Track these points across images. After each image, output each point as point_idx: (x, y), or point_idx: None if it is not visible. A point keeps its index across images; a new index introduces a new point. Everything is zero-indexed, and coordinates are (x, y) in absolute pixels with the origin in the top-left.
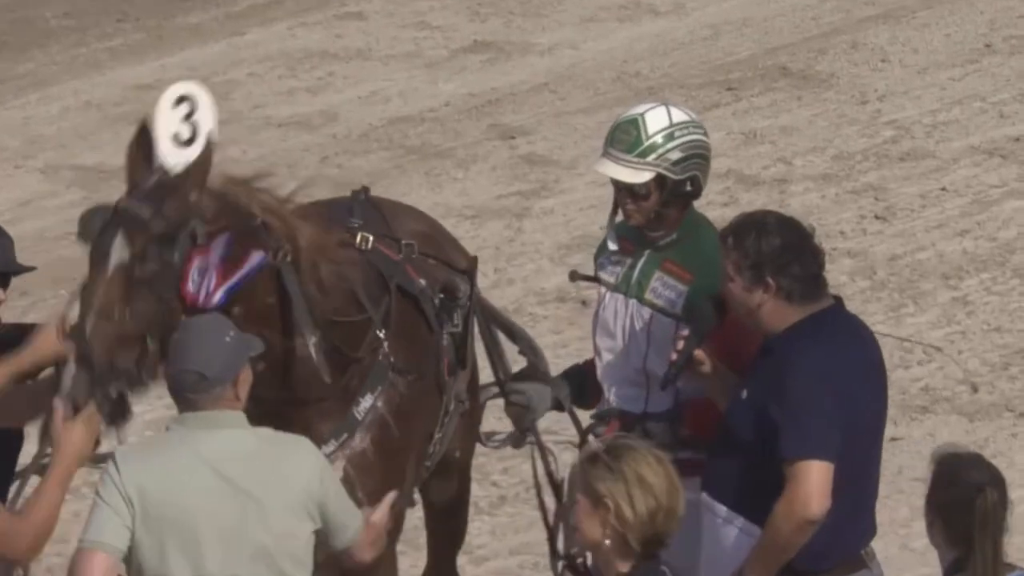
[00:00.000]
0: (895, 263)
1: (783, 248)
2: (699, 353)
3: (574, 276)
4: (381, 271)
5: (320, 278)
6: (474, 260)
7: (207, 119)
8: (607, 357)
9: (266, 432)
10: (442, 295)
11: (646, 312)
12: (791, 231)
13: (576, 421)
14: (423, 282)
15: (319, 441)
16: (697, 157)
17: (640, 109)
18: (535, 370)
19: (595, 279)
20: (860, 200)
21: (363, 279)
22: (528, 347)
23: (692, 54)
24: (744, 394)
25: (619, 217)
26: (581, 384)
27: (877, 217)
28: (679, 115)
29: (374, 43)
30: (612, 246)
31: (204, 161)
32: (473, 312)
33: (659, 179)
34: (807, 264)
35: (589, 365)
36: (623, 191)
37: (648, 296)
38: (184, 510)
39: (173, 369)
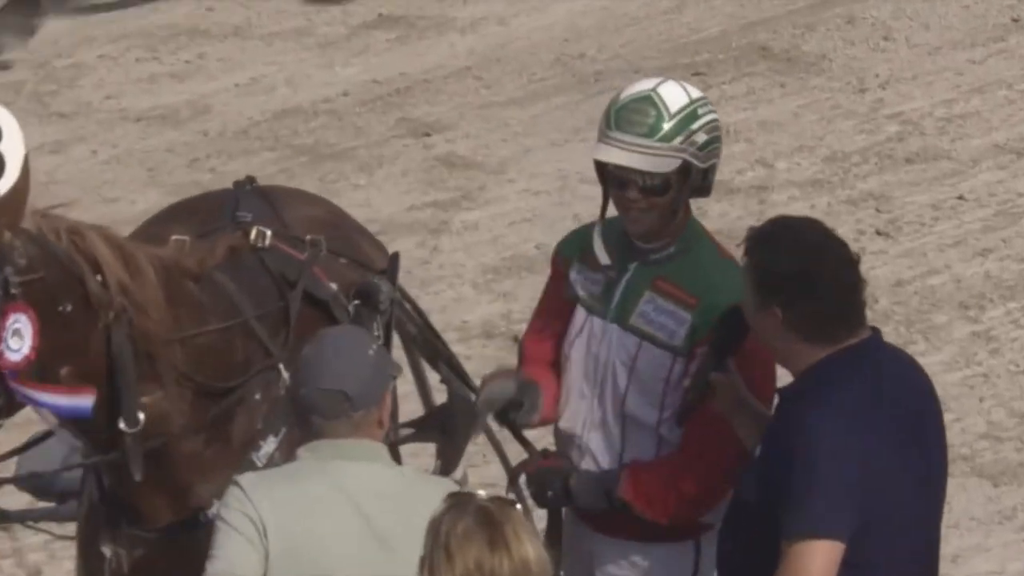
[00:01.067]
0: (901, 290)
1: (794, 276)
2: (718, 377)
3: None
4: (284, 275)
5: (170, 324)
6: (395, 257)
7: (15, 147)
8: (576, 391)
9: (411, 471)
10: (357, 301)
11: (631, 341)
12: (811, 254)
13: (524, 442)
14: (334, 286)
15: (203, 507)
16: (717, 141)
17: (646, 85)
18: (452, 411)
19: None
20: (858, 212)
21: (255, 289)
22: (450, 374)
23: (649, 31)
24: (758, 451)
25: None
26: (534, 403)
27: (879, 233)
28: (693, 90)
29: (254, 18)
30: (603, 258)
31: (14, 198)
32: (395, 322)
33: (684, 168)
34: (825, 300)
35: (544, 378)
36: (628, 188)
37: (635, 321)
38: (321, 549)
39: (305, 388)
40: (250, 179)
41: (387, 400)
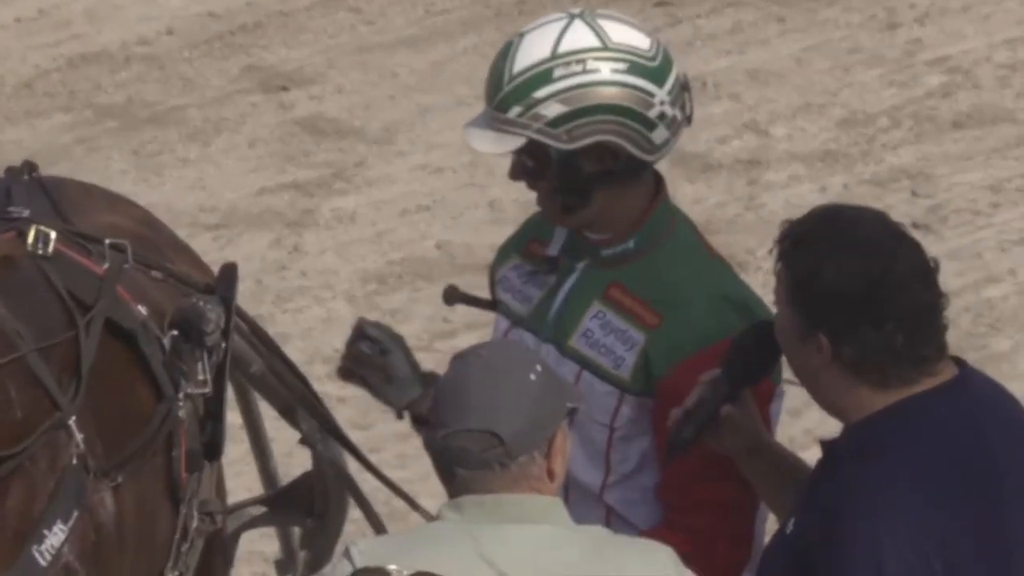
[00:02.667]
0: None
1: (850, 295)
2: (731, 412)
3: (452, 296)
4: (74, 294)
5: None
6: (230, 269)
7: None
8: None
9: (599, 533)
10: (176, 332)
11: (569, 370)
12: (875, 263)
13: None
14: (143, 310)
15: None
16: (591, 114)
17: (531, 26)
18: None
19: (488, 304)
20: (887, 196)
21: (34, 313)
22: (312, 427)
23: None
24: (790, 525)
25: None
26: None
27: (916, 225)
28: (588, 36)
29: None
30: (554, 246)
31: None
32: (228, 359)
33: (538, 149)
34: (893, 328)
35: None
36: (514, 165)
37: (575, 343)
38: None
39: (445, 431)
40: (30, 166)
41: (560, 442)
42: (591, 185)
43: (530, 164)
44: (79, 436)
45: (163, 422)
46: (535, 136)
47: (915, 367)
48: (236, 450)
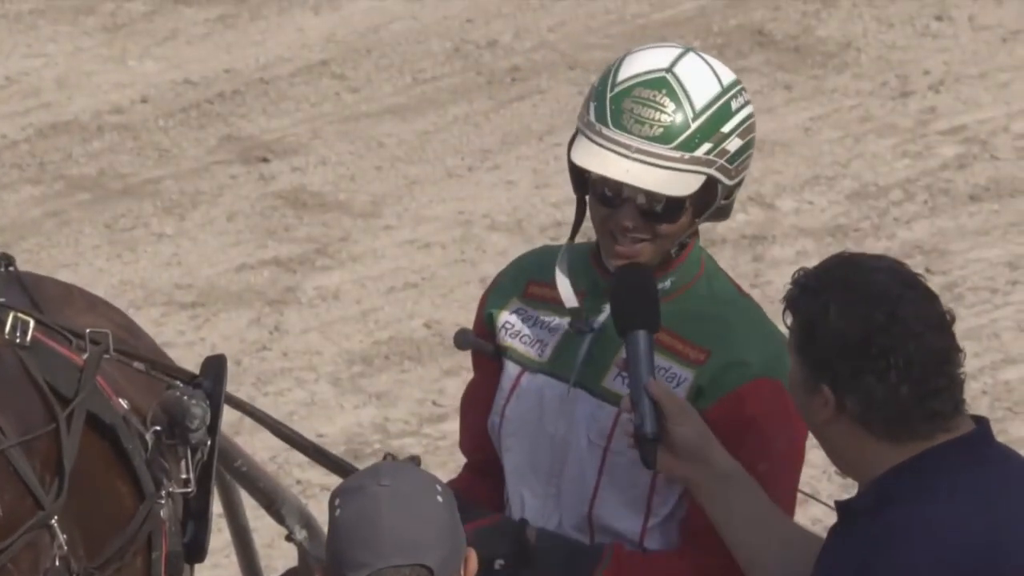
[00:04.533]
0: (967, 384)
1: (852, 342)
2: (657, 391)
3: (466, 341)
4: (53, 386)
5: None
6: (218, 361)
7: None
8: (516, 493)
9: None
10: (158, 428)
11: (604, 413)
12: (880, 309)
13: None
14: (125, 404)
15: None
16: (752, 146)
17: (658, 59)
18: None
19: (494, 351)
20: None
21: (13, 405)
22: (299, 523)
23: (590, 7)
24: None
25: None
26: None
27: None
28: (724, 69)
29: None
30: (570, 298)
31: None
32: (215, 458)
33: (708, 186)
34: (900, 378)
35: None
36: (623, 210)
37: (609, 383)
38: None
39: (363, 570)
40: (6, 259)
41: (472, 564)
42: (698, 225)
43: (667, 207)
44: (62, 537)
45: (143, 523)
46: (716, 174)
47: (928, 421)
48: (216, 540)
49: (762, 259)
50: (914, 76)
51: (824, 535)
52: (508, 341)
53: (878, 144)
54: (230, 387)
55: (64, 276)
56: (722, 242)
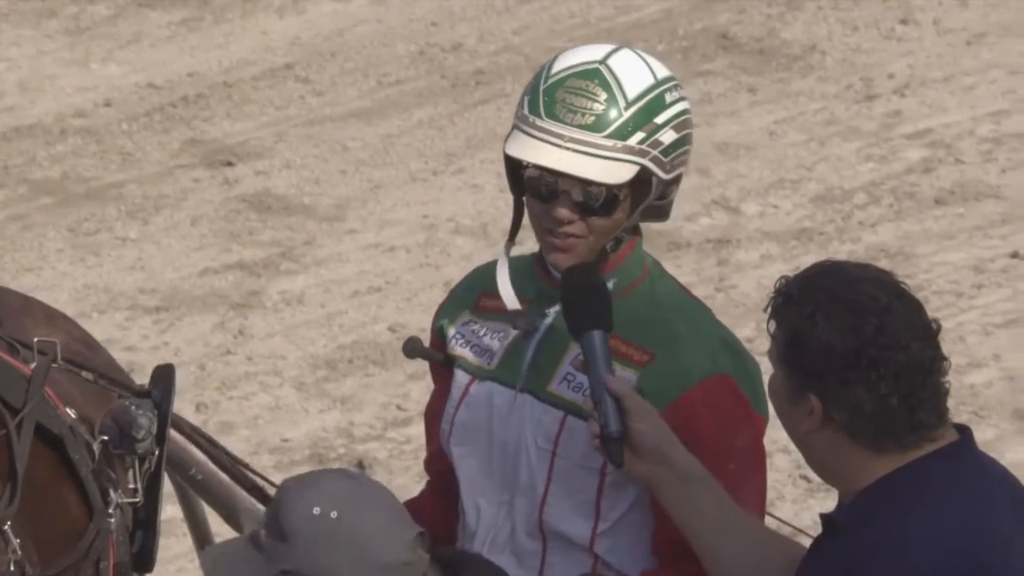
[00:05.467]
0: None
1: (837, 357)
2: (616, 387)
3: (414, 350)
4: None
5: None
6: (166, 371)
7: None
8: (470, 501)
9: None
10: (106, 438)
11: (550, 417)
12: (867, 319)
13: None
14: (73, 414)
15: None
16: (687, 142)
17: (593, 53)
18: None
19: (444, 360)
20: None
21: None
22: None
23: (554, 11)
24: None
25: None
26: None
27: None
28: (658, 65)
29: None
30: (511, 300)
31: None
32: (163, 468)
33: (641, 178)
34: (884, 391)
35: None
36: (557, 202)
37: (555, 388)
38: None
39: None
40: None
41: None
42: (635, 222)
43: (600, 199)
44: (15, 542)
45: (95, 538)
46: (650, 165)
47: (913, 432)
48: (180, 545)
49: (727, 263)
50: (879, 79)
51: (789, 538)
52: (458, 350)
53: (843, 147)
54: (194, 392)
55: (28, 280)
56: (687, 246)
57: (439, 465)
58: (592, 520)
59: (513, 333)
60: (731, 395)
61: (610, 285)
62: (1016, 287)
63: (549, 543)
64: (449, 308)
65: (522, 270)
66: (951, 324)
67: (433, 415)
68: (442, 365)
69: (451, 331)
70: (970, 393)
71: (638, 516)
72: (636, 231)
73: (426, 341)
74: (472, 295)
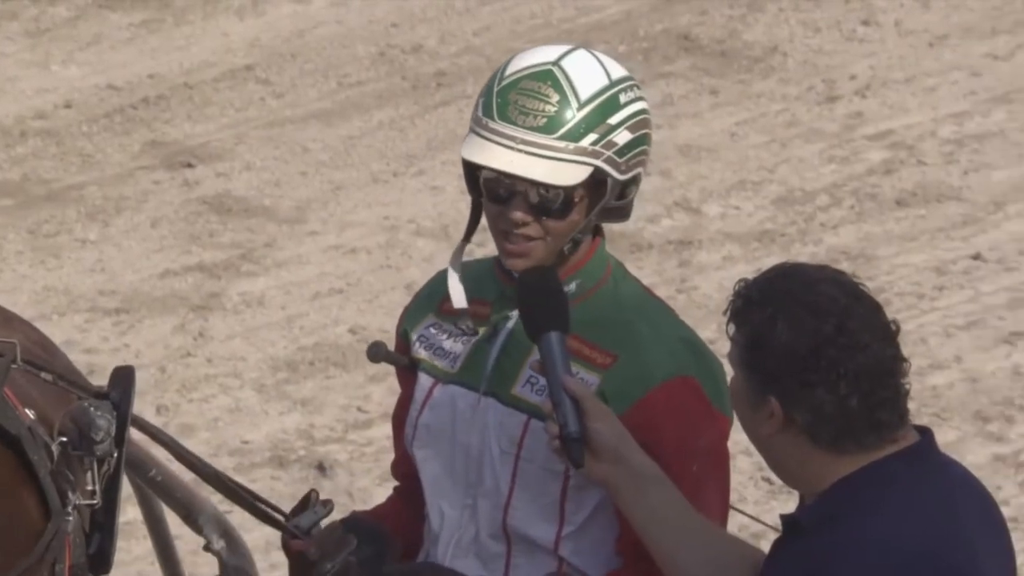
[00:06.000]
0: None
1: (800, 354)
2: (575, 388)
3: (378, 354)
4: None
5: None
6: (125, 372)
7: None
8: (434, 505)
9: None
10: (65, 439)
11: (514, 421)
12: (827, 321)
13: None
14: (32, 414)
15: None
16: (645, 142)
17: (546, 55)
18: None
19: (408, 363)
20: None
21: None
22: (216, 533)
23: (515, 12)
24: None
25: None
26: (378, 552)
27: None
28: (614, 65)
29: None
30: (459, 299)
31: None
32: (121, 469)
33: (596, 179)
34: (844, 392)
35: (386, 513)
36: (512, 204)
37: (518, 391)
38: None
39: None
40: None
41: None
42: (593, 224)
43: (556, 200)
44: None
45: (52, 539)
46: (603, 166)
47: (874, 432)
48: (140, 547)
49: (688, 264)
50: (841, 81)
51: (750, 542)
52: (422, 354)
53: (804, 149)
54: (155, 394)
55: None
56: (648, 247)
57: (405, 468)
58: (556, 523)
59: (477, 336)
60: (693, 396)
61: (573, 287)
62: (978, 289)
63: (514, 546)
64: (413, 312)
65: (483, 272)
66: (912, 326)
67: (399, 419)
68: (406, 369)
69: (415, 335)
70: (932, 395)
71: (603, 518)
72: (598, 232)
73: (391, 344)
74: (435, 299)
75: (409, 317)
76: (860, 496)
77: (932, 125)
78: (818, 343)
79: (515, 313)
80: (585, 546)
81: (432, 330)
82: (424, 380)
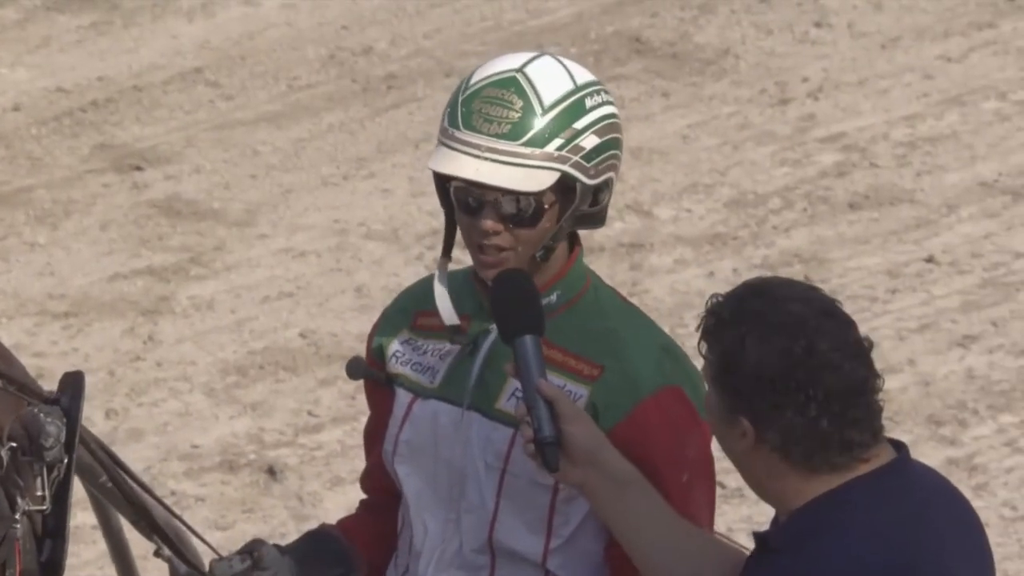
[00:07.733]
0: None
1: (767, 380)
2: (547, 391)
3: (358, 370)
4: None
5: None
6: (75, 377)
7: None
8: (417, 519)
9: None
10: (14, 445)
11: (499, 435)
12: (797, 338)
13: None
14: None
15: None
16: (615, 146)
17: (511, 62)
18: None
19: (383, 379)
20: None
21: None
22: (172, 542)
23: (466, 15)
24: None
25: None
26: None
27: None
28: (580, 70)
29: None
30: (449, 315)
31: None
32: (71, 475)
33: (565, 185)
34: (814, 413)
35: (353, 528)
36: (482, 214)
37: (503, 405)
38: None
39: None
40: None
41: None
42: (564, 234)
43: (525, 208)
44: None
45: (2, 543)
46: (571, 171)
47: (846, 452)
48: (91, 551)
49: (640, 267)
50: (793, 83)
51: (730, 546)
52: (399, 369)
53: (756, 152)
54: (104, 398)
55: None
56: (600, 250)
57: (374, 482)
58: (544, 536)
59: (455, 350)
60: (681, 405)
61: (554, 298)
62: (931, 292)
63: (498, 559)
64: (384, 328)
65: (459, 285)
66: (865, 329)
67: (372, 435)
68: (383, 384)
69: (390, 350)
70: (885, 399)
71: (591, 529)
72: (576, 242)
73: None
74: (408, 314)
75: (381, 331)
76: (831, 519)
77: (885, 127)
78: (787, 365)
79: (495, 325)
80: (573, 559)
81: (408, 345)
82: (403, 396)
